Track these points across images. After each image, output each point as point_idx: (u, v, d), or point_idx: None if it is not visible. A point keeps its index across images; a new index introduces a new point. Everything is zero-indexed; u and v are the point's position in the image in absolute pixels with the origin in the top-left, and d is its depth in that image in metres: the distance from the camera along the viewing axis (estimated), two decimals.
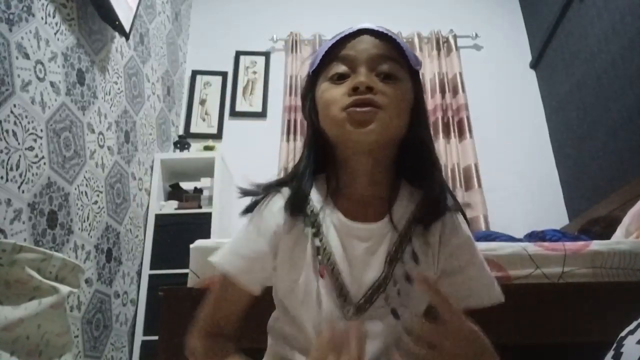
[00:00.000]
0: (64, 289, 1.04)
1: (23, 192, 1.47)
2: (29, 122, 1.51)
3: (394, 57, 0.71)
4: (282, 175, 0.83)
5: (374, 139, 0.69)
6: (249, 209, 0.77)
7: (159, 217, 2.49)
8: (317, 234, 0.72)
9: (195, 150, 2.81)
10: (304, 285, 0.71)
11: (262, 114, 3.19)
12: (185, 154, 2.77)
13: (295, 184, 0.74)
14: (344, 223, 0.73)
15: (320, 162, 0.77)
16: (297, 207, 0.73)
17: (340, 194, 0.76)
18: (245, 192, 0.77)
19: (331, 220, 0.73)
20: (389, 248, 0.72)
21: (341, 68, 0.71)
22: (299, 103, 0.84)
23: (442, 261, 0.74)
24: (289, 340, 0.75)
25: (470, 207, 1.80)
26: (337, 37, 0.72)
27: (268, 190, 0.77)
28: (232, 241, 0.78)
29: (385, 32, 0.70)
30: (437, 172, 0.74)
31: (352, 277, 0.71)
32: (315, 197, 0.75)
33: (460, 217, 0.77)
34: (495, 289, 0.75)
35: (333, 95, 0.70)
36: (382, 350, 0.69)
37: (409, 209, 0.74)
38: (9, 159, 1.41)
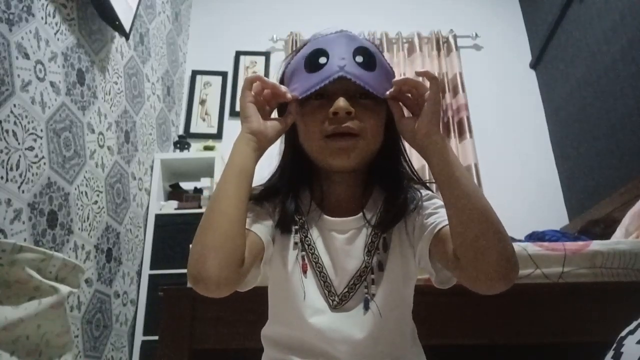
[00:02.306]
0: (64, 289, 1.04)
1: (23, 192, 1.47)
2: (29, 122, 1.51)
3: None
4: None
5: (352, 165, 0.76)
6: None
7: (159, 217, 2.49)
8: (303, 232, 0.78)
9: (195, 150, 2.81)
10: (290, 279, 0.75)
11: None
12: (185, 154, 2.76)
13: (280, 207, 0.79)
14: (324, 219, 0.79)
15: (301, 169, 0.82)
16: (286, 228, 0.78)
17: (321, 196, 0.82)
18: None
19: (313, 219, 0.80)
20: (366, 239, 0.77)
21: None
22: None
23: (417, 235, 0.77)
24: (281, 343, 0.78)
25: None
26: (318, 85, 0.72)
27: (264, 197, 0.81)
28: None
29: (360, 82, 0.71)
30: (400, 184, 0.80)
31: (334, 268, 0.76)
32: (300, 209, 0.80)
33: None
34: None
35: (313, 118, 0.74)
36: (365, 339, 0.72)
37: (378, 203, 0.80)
38: (9, 159, 1.41)
